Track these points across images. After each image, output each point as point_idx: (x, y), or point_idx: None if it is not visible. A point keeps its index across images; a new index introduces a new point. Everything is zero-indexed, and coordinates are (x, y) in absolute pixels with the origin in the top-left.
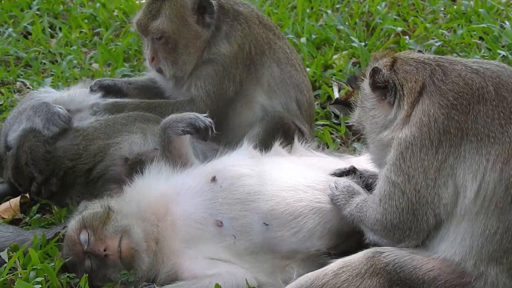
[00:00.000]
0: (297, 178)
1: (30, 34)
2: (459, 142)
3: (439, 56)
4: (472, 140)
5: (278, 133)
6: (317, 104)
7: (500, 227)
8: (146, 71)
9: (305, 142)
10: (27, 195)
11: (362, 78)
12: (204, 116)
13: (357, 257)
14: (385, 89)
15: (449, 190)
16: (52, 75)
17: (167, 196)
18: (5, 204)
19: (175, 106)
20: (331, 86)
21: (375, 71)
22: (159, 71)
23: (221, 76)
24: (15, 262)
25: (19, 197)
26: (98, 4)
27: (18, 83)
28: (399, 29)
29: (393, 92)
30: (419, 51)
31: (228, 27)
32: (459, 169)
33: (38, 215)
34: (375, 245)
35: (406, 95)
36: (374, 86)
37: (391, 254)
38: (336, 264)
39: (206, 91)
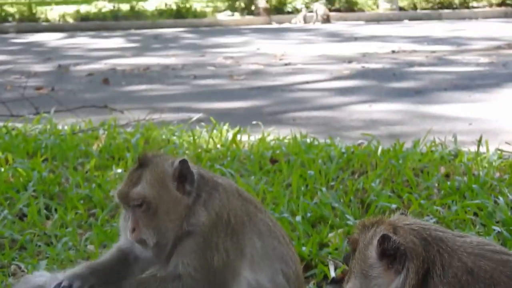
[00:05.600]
0: None
1: (25, 215)
2: None
3: (439, 234)
4: None
5: None
6: (313, 284)
7: None
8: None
9: None
10: None
11: (367, 245)
12: None
13: None
14: (391, 256)
15: None
16: (47, 257)
17: None
18: None
19: (161, 283)
20: (327, 265)
21: (385, 238)
22: (141, 242)
23: (203, 247)
24: None
25: None
26: (94, 185)
27: (12, 266)
28: (394, 206)
29: (403, 259)
30: (402, 213)
31: (207, 195)
32: None
33: None
34: None
35: (412, 273)
36: (383, 254)
37: None
38: None
39: (193, 266)
